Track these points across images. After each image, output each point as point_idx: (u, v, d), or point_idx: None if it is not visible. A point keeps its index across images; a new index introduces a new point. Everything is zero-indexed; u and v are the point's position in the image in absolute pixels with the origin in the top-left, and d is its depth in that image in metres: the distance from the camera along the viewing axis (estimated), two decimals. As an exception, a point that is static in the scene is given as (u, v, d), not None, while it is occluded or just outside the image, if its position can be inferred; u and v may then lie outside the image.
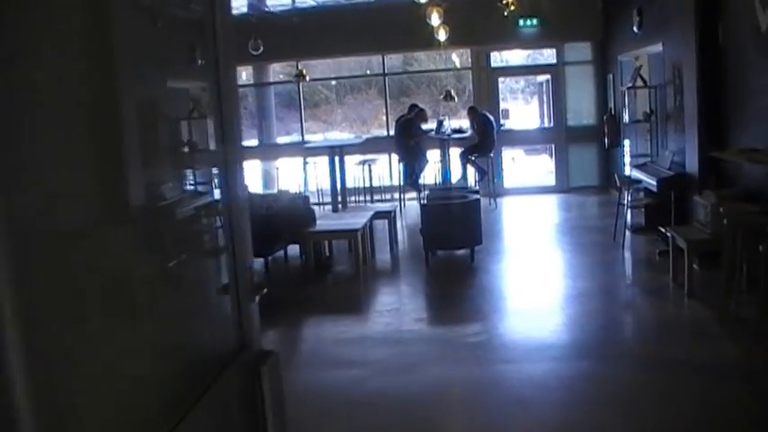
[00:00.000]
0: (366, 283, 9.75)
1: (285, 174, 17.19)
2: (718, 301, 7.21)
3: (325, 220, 11.01)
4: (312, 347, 7.36)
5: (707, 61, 8.96)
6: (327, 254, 10.82)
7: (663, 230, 10.07)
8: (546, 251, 11.06)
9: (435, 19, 11.03)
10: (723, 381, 5.72)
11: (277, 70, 18.04)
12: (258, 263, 10.37)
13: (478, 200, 10.42)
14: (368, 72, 17.96)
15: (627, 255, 10.41)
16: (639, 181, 10.67)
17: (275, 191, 15.50)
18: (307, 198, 11.74)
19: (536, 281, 9.25)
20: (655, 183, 9.89)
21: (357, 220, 10.37)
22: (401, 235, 12.44)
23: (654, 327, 7.31)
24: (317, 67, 19.10)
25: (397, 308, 8.38)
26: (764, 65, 7.53)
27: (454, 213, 10.07)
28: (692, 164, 9.46)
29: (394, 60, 18.36)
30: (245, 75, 18.31)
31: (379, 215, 11.40)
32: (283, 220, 10.29)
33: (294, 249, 10.64)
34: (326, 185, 15.18)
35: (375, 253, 11.22)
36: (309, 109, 21.25)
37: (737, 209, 7.33)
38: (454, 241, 10.21)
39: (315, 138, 19.26)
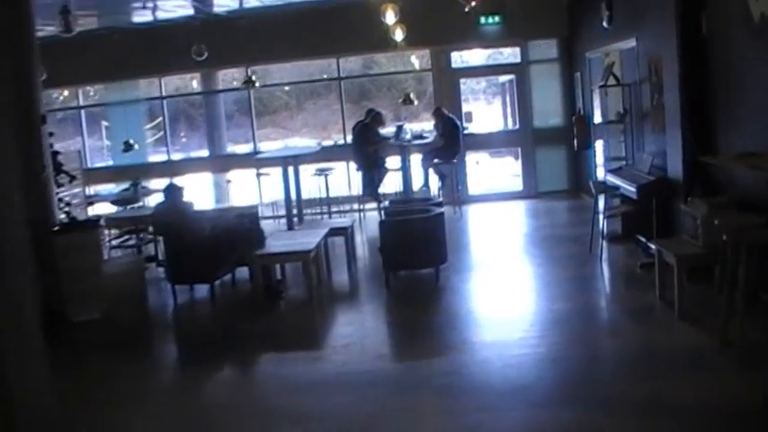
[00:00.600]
0: (321, 310, 8.78)
1: (238, 187, 16.18)
2: (716, 325, 6.34)
3: (277, 239, 10.02)
4: (256, 397, 6.36)
5: (690, 55, 8.11)
6: (279, 277, 9.84)
7: (644, 241, 9.25)
8: (517, 266, 10.17)
9: (390, 17, 10.12)
10: (737, 424, 4.85)
11: (237, 77, 16.94)
12: (203, 290, 9.42)
13: (442, 213, 9.49)
14: (325, 76, 16.95)
15: (605, 268, 9.55)
16: (617, 187, 9.80)
17: (224, 207, 14.56)
18: (255, 215, 10.77)
19: (508, 303, 8.33)
20: (634, 189, 9.02)
21: (310, 240, 9.39)
22: (361, 250, 11.50)
23: (646, 358, 6.40)
24: (276, 73, 18.12)
25: (355, 341, 7.40)
26: (759, 57, 6.68)
27: (416, 230, 9.12)
28: (675, 168, 8.60)
29: (353, 63, 17.45)
30: (195, 83, 17.30)
31: (334, 232, 10.44)
32: (228, 241, 9.33)
33: (244, 272, 9.66)
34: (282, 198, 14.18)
35: (332, 273, 10.28)
36: (268, 116, 20.36)
37: (736, 221, 6.46)
38: (417, 260, 9.26)
39: (275, 145, 18.32)
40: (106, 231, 12.31)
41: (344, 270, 10.35)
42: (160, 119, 17.16)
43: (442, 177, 14.45)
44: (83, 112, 17.23)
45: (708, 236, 7.00)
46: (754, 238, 5.87)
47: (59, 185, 10.33)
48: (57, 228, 9.12)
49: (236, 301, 9.55)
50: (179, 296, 9.51)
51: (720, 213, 6.89)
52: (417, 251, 9.14)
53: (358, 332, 7.77)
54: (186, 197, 9.89)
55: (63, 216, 10.21)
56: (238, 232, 9.57)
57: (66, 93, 17.68)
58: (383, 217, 10.13)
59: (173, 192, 9.80)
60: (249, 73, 15.60)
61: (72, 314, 8.79)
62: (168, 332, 8.79)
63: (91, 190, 15.99)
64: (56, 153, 10.07)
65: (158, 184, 15.10)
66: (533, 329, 7.34)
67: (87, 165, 16.98)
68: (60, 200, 10.15)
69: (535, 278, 9.45)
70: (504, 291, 8.86)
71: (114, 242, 12.17)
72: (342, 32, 14.70)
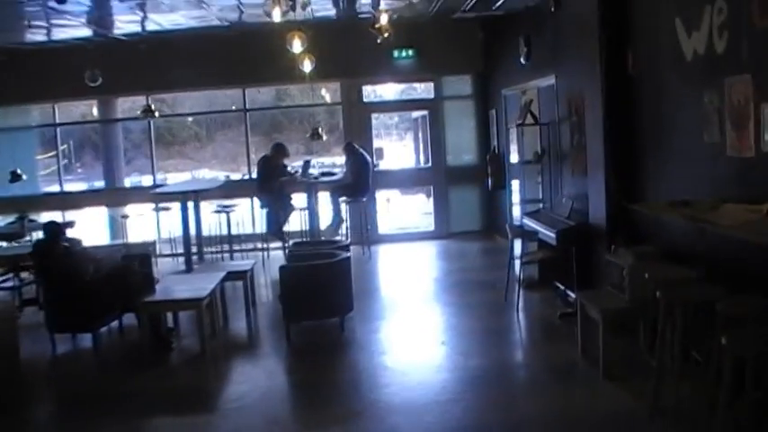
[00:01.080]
0: (214, 365, 7.90)
1: (135, 222, 15.19)
2: (644, 386, 5.77)
3: (168, 283, 9.17)
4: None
5: (614, 94, 7.62)
6: (171, 325, 8.96)
7: (563, 288, 8.72)
8: (428, 315, 9.49)
9: (297, 46, 9.37)
10: None
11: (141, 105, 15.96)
12: (86, 338, 8.46)
13: (348, 258, 8.77)
14: (234, 107, 16.11)
15: (522, 318, 8.96)
16: (534, 232, 9.25)
17: (116, 244, 13.61)
18: (146, 257, 9.88)
19: (420, 359, 7.62)
20: (553, 235, 8.46)
21: (203, 285, 8.54)
22: (264, 294, 10.66)
23: (571, 424, 5.77)
24: (186, 101, 17.23)
25: (248, 403, 6.59)
26: (692, 98, 6.18)
27: (320, 276, 8.38)
28: (597, 214, 8.09)
29: (265, 95, 16.68)
30: (95, 110, 16.23)
31: (233, 275, 9.61)
32: (114, 286, 8.44)
33: (133, 318, 8.72)
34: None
35: (229, 321, 9.44)
36: (177, 146, 19.52)
37: (667, 275, 5.91)
38: (321, 309, 8.50)
39: (182, 177, 17.44)
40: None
41: (243, 317, 9.52)
42: (64, 147, 16.11)
43: (338, 219, 13.70)
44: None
45: (635, 289, 6.45)
46: (689, 295, 5.31)
47: None
48: None
49: (121, 353, 8.61)
50: (59, 346, 8.54)
51: (649, 265, 6.36)
52: (321, 299, 8.40)
53: (253, 392, 6.94)
54: (71, 234, 8.99)
55: None
56: (126, 276, 8.70)
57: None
58: (286, 260, 9.35)
59: (52, 229, 8.87)
60: (149, 102, 14.66)
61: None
62: (40, 389, 7.75)
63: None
64: None
65: (50, 217, 14.07)
66: (447, 390, 6.64)
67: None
68: None
69: (448, 329, 8.78)
70: (415, 344, 8.17)
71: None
72: (249, 61, 13.94)
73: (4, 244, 11.97)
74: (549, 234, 8.64)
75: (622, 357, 6.72)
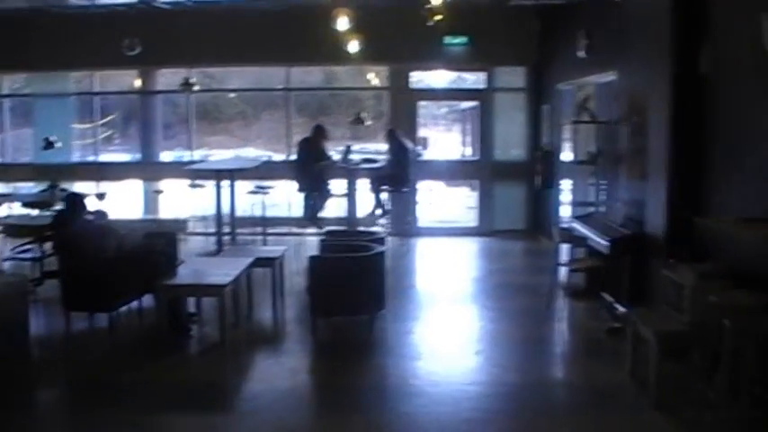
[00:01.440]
0: (233, 358, 7.40)
1: (169, 198, 14.81)
2: (697, 418, 5.17)
3: (193, 265, 8.67)
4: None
5: (683, 95, 6.96)
6: (194, 310, 8.48)
7: (611, 301, 8.09)
8: (464, 318, 8.93)
9: (343, 24, 8.82)
10: None
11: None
12: (103, 318, 7.98)
13: (383, 253, 8.20)
14: (281, 87, 15.60)
15: (565, 330, 8.39)
16: (584, 237, 8.62)
17: (146, 219, 13.24)
18: (172, 236, 9.37)
19: (451, 368, 7.03)
20: (605, 243, 7.83)
21: (228, 271, 8.03)
22: (293, 282, 9.98)
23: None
24: (232, 78, 16.74)
25: (264, 406, 6.10)
26: (776, 103, 5.53)
27: (351, 271, 7.81)
28: (655, 223, 7.45)
29: (314, 76, 16.18)
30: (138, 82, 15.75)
31: (261, 262, 9.08)
32: (134, 265, 7.96)
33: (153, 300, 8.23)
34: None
35: (254, 311, 8.93)
36: (224, 122, 19.07)
37: (737, 300, 5.27)
38: (350, 305, 7.94)
39: (227, 154, 16.96)
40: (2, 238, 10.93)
41: (269, 307, 9.01)
42: (110, 117, 15.77)
43: (381, 209, 13.18)
44: (6, 101, 15.77)
45: (696, 311, 5.82)
46: (762, 326, 4.69)
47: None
48: None
49: (137, 337, 8.10)
50: (74, 323, 8.06)
51: (714, 286, 5.71)
52: (351, 295, 7.85)
53: (270, 392, 6.43)
54: (99, 207, 8.51)
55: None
56: (147, 256, 8.22)
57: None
58: (318, 250, 8.80)
59: (74, 201, 8.42)
60: (189, 75, 14.22)
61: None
62: (48, 370, 7.32)
63: (10, 187, 14.62)
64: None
65: (83, 188, 13.74)
66: (479, 408, 6.06)
67: (8, 159, 15.61)
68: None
69: (484, 336, 8.20)
70: (448, 351, 7.57)
71: (11, 252, 10.72)
72: (293, 39, 13.41)
73: (35, 212, 11.58)
74: (600, 241, 8.00)
75: (675, 385, 6.09)
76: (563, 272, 9.23)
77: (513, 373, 6.82)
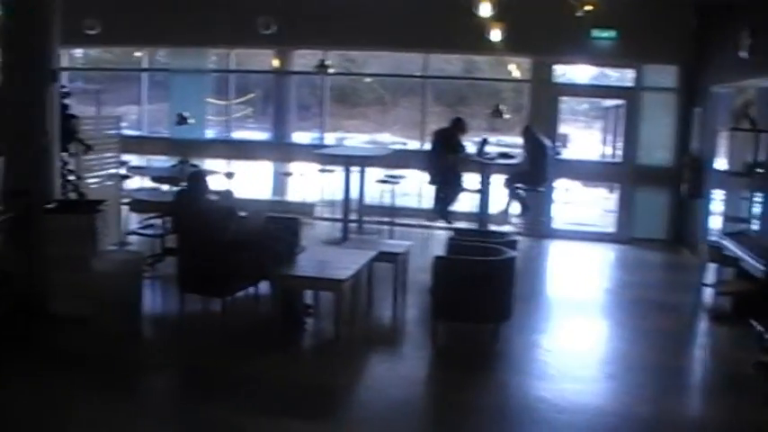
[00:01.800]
0: (346, 357, 7.04)
1: (298, 181, 14.64)
2: None
3: (313, 254, 8.34)
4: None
5: None
6: (311, 302, 8.16)
7: (762, 330, 7.31)
8: (596, 336, 8.31)
9: (486, 10, 8.29)
10: None
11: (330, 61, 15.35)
12: (216, 302, 7.75)
13: (513, 258, 7.64)
14: (419, 74, 15.21)
15: (707, 359, 7.64)
16: (736, 258, 7.85)
17: (274, 201, 13.09)
18: (295, 223, 9.08)
19: (579, 393, 6.44)
20: (762, 267, 7.06)
21: (349, 264, 7.66)
22: (417, 279, 9.40)
23: None
24: (372, 62, 16.47)
25: (371, 416, 5.72)
26: None
27: (478, 276, 7.29)
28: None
29: (453, 65, 15.71)
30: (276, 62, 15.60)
31: (384, 256, 8.68)
32: (251, 251, 7.68)
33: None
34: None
35: (373, 308, 8.54)
36: (362, 107, 18.88)
37: None
38: (474, 312, 7.42)
39: (362, 138, 17.06)
40: (130, 214, 10.93)
41: (389, 306, 8.59)
42: (251, 95, 15.74)
43: (524, 208, 12.63)
44: (144, 75, 15.93)
45: None
46: None
47: (70, 154, 8.90)
48: (50, 205, 7.63)
49: (250, 325, 7.84)
50: (188, 306, 7.85)
51: None
52: (476, 301, 7.33)
53: (380, 401, 6.04)
54: (225, 186, 8.24)
55: (72, 192, 8.79)
56: (268, 242, 7.93)
57: (139, 53, 16.36)
58: (445, 249, 8.31)
59: (196, 179, 8.22)
60: (324, 58, 14.01)
61: (54, 307, 7.42)
62: (152, 356, 7.12)
63: (144, 160, 14.78)
64: (70, 116, 8.61)
65: (214, 165, 13.76)
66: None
67: (145, 132, 15.78)
68: (69, 171, 8.73)
69: (617, 358, 7.53)
70: (577, 371, 6.97)
71: (134, 227, 10.71)
72: (434, 25, 12.93)
73: (165, 187, 11.55)
74: (755, 264, 7.24)
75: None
76: (708, 292, 8.46)
77: (647, 405, 6.18)
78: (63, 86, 8.66)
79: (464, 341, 7.60)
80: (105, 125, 10.65)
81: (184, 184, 8.61)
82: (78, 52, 17.11)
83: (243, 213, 8.48)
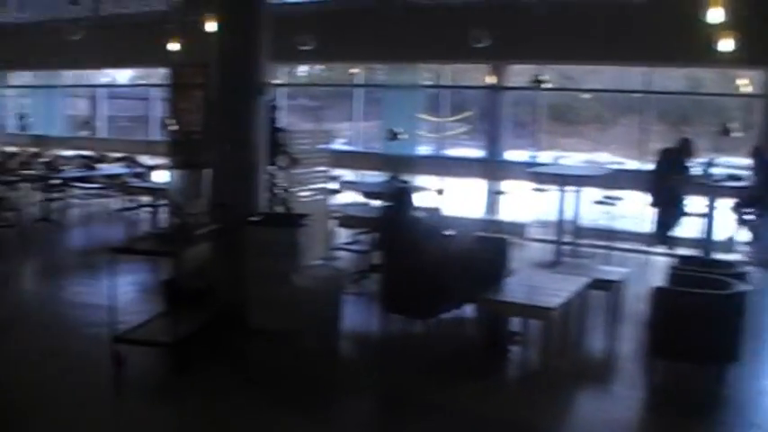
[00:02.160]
0: (549, 392, 6.49)
1: (511, 199, 14.23)
2: None
3: (522, 278, 7.87)
4: None
5: None
6: (518, 329, 7.67)
7: None
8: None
9: (716, 15, 7.49)
10: None
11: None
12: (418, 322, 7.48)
13: (745, 293, 6.82)
14: (643, 88, 14.42)
15: None
16: None
17: (484, 220, 12.76)
18: (503, 244, 8.66)
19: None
20: None
21: (560, 291, 7.13)
22: (634, 309, 8.61)
23: None
24: (590, 77, 15.85)
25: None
26: None
27: (705, 310, 6.52)
28: None
29: (676, 80, 14.88)
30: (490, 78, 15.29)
31: (598, 284, 8.06)
32: (455, 272, 7.38)
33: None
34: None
35: (584, 338, 7.91)
36: (580, 125, 18.31)
37: None
38: (697, 351, 6.64)
39: (579, 158, 16.48)
40: (339, 229, 10.93)
41: (601, 337, 7.96)
42: (468, 114, 15.57)
43: (756, 236, 11.57)
44: (360, 92, 16.10)
45: None
46: None
47: (279, 167, 8.96)
48: (254, 219, 7.62)
49: (451, 351, 7.46)
50: (388, 325, 7.63)
51: None
52: (701, 339, 6.57)
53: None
54: (432, 204, 7.98)
55: (279, 206, 8.81)
56: (474, 262, 7.59)
57: (355, 70, 16.61)
58: (666, 280, 7.57)
59: (401, 195, 8.01)
60: (538, 73, 13.54)
61: (253, 320, 7.40)
62: (346, 376, 6.89)
63: (359, 176, 14.92)
64: (277, 130, 8.65)
65: (425, 182, 13.66)
66: None
67: (360, 148, 15.96)
68: (276, 185, 8.77)
69: None
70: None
71: (342, 242, 10.70)
72: (655, 36, 12.13)
73: (375, 203, 11.49)
74: None
75: None
76: None
77: None
78: (272, 100, 8.70)
79: (684, 383, 6.85)
80: (316, 139, 10.66)
81: (389, 200, 8.42)
82: (302, 70, 17.57)
83: (449, 232, 8.18)
